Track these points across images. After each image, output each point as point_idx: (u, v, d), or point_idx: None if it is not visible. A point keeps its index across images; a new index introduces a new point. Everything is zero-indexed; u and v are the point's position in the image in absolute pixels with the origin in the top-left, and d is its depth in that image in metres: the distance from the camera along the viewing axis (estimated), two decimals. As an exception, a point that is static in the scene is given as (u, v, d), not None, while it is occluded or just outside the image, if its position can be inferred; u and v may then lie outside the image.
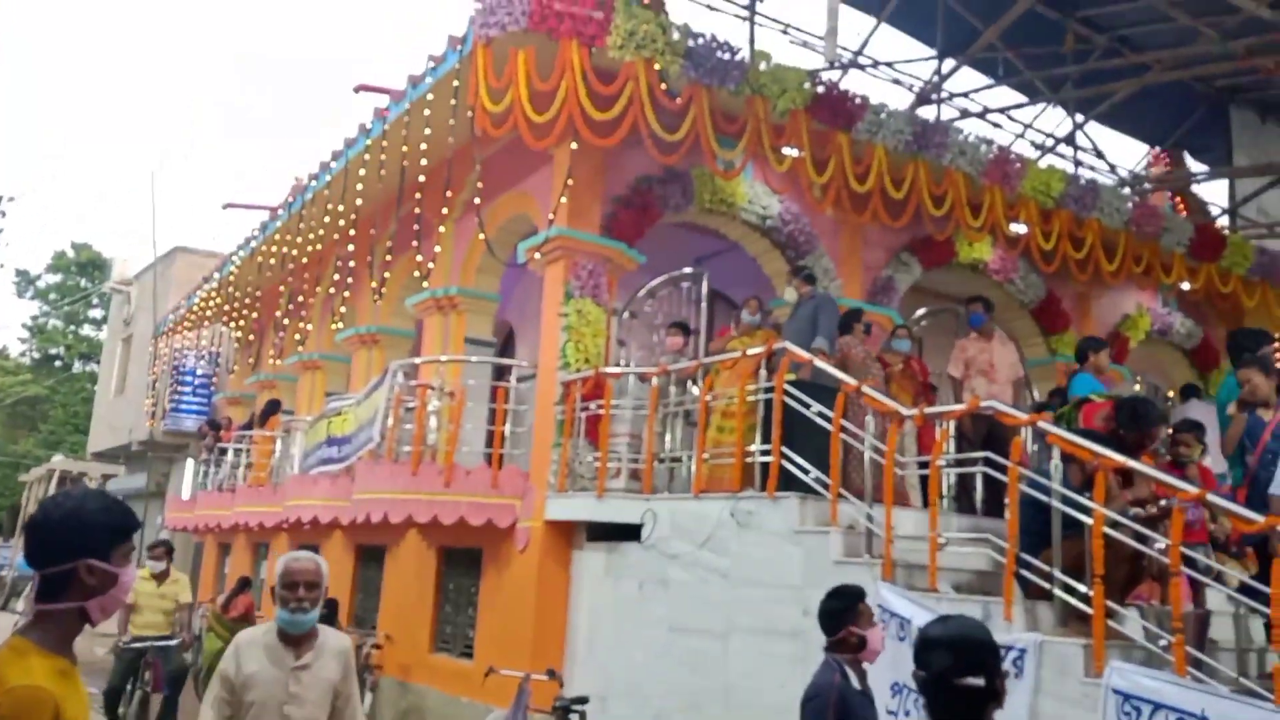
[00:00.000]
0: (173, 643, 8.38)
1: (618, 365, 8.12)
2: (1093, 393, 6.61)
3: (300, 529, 10.67)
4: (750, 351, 7.00)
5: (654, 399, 7.27)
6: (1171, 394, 12.28)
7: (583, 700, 6.57)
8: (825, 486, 6.04)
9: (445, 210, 9.18)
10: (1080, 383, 7.10)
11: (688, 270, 9.06)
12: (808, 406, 6.30)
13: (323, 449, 10.06)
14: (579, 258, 8.00)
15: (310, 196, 10.83)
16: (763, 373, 6.79)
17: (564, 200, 7.81)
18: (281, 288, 13.09)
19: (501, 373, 8.97)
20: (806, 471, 6.17)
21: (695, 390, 7.44)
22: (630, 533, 7.19)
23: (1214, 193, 14.03)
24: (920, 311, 10.37)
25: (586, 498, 7.46)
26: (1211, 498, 4.38)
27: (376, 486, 8.44)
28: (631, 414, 7.71)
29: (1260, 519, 4.12)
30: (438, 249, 9.63)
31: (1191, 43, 9.41)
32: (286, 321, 12.76)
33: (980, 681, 2.29)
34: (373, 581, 10.10)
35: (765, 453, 6.46)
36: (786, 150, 8.12)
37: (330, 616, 8.91)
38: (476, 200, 8.11)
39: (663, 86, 7.38)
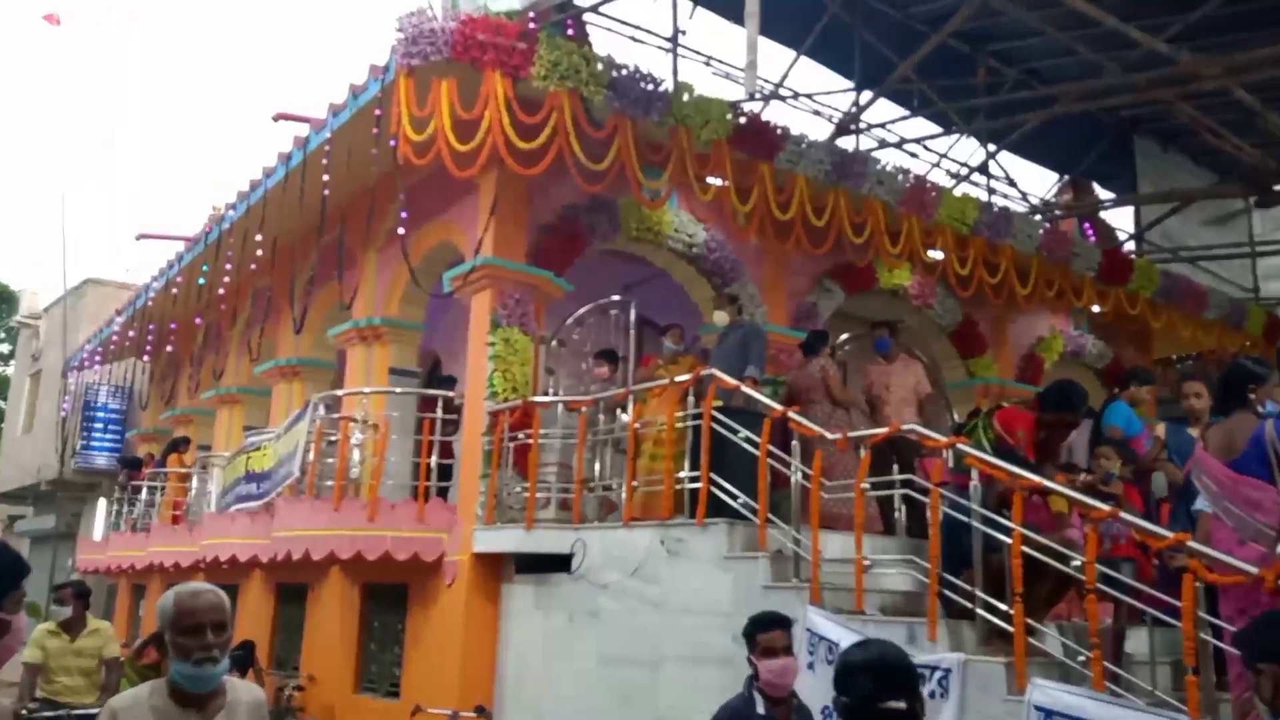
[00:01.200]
0: (94, 712, 6.23)
1: (546, 394, 8.08)
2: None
3: (218, 568, 10.34)
4: (678, 379, 7.04)
5: (582, 427, 7.24)
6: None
7: (512, 736, 6.46)
8: (754, 512, 6.07)
9: (368, 239, 9.06)
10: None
11: (616, 298, 9.08)
12: (735, 433, 6.34)
13: (241, 485, 9.79)
14: (506, 286, 7.96)
15: (228, 226, 10.60)
16: (690, 399, 6.83)
17: (490, 229, 7.77)
18: (198, 319, 12.75)
19: (428, 404, 8.86)
20: (735, 498, 6.21)
21: (624, 418, 7.44)
22: (560, 563, 7.12)
23: (1120, 219, 14.59)
24: (843, 337, 10.54)
25: (515, 529, 7.38)
26: (1123, 514, 4.50)
27: (297, 523, 8.23)
28: (560, 443, 7.68)
29: (1169, 535, 4.25)
30: (368, 281, 9.49)
31: (1096, 75, 9.79)
32: (203, 354, 12.43)
33: (902, 704, 2.31)
34: (294, 621, 9.82)
35: (694, 480, 6.48)
36: (711, 179, 8.21)
37: (245, 660, 8.63)
38: (400, 229, 8.02)
39: (587, 116, 7.42)
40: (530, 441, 7.34)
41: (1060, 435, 5.93)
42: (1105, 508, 4.47)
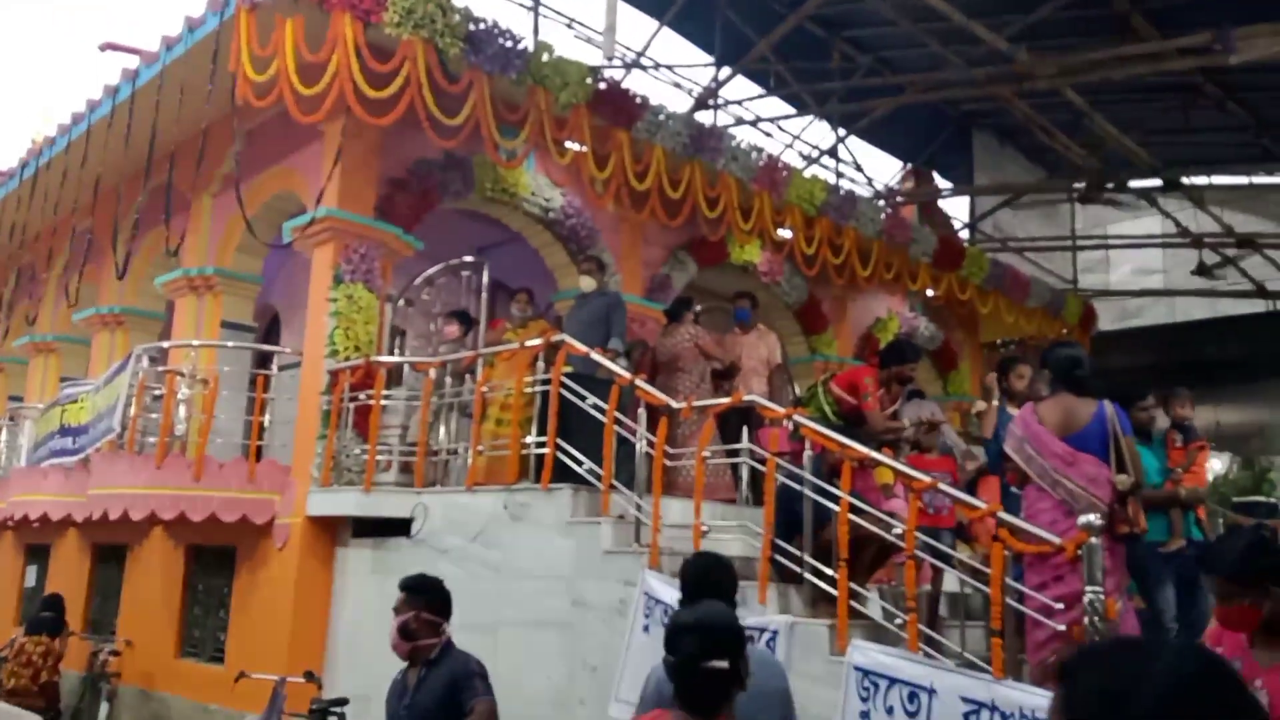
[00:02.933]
0: None
1: (392, 354, 7.86)
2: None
3: (28, 526, 9.65)
4: (528, 343, 6.97)
5: (428, 390, 7.08)
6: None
7: (342, 702, 6.32)
8: (600, 478, 6.10)
9: (202, 184, 8.56)
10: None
11: (468, 259, 8.91)
12: (584, 399, 6.35)
13: (55, 439, 9.14)
14: (350, 240, 7.67)
15: (47, 162, 9.79)
16: (540, 365, 6.78)
17: (334, 179, 7.46)
18: (11, 261, 11.77)
19: (263, 360, 8.48)
20: (581, 463, 6.22)
21: (473, 382, 7.33)
22: (400, 528, 6.98)
23: (957, 208, 15.35)
24: (696, 309, 10.70)
25: (353, 492, 7.17)
26: (942, 486, 4.75)
27: (116, 481, 7.76)
28: (405, 405, 7.49)
29: (983, 505, 4.52)
30: (200, 228, 8.96)
31: (941, 68, 10.21)
32: (16, 299, 11.49)
33: (724, 664, 2.36)
34: (112, 583, 9.27)
35: (541, 445, 6.45)
36: (569, 144, 8.14)
37: (56, 623, 8.13)
38: (236, 175, 7.61)
39: (442, 69, 7.20)
40: (372, 403, 7.14)
41: (897, 391, 6.23)
42: (926, 479, 4.71)
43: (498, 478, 6.80)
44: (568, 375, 6.53)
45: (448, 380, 7.41)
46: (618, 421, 6.17)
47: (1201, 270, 13.22)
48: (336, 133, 7.55)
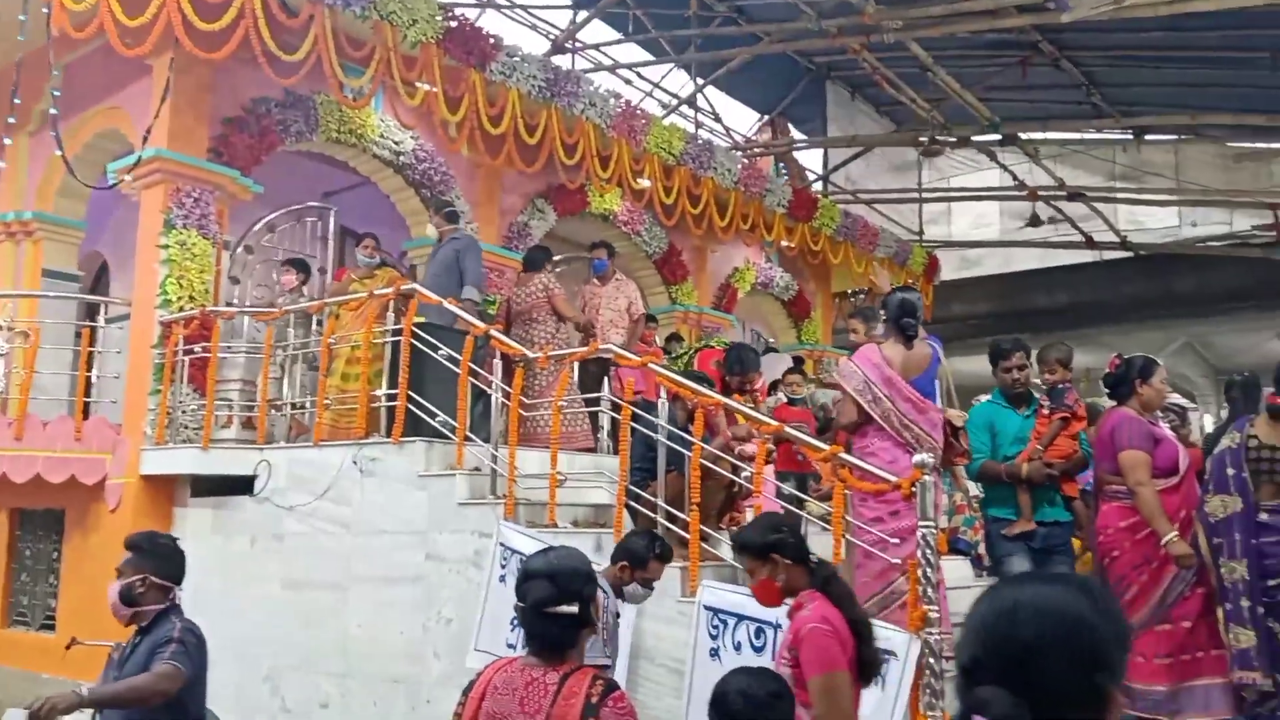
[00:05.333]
0: None
1: (230, 304, 7.48)
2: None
3: None
4: (377, 292, 6.75)
5: (269, 342, 6.78)
6: (773, 341, 13.71)
7: (184, 666, 6.06)
8: (455, 431, 6.00)
9: (14, 121, 7.85)
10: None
11: (313, 204, 8.52)
12: (436, 349, 6.20)
13: None
14: (181, 183, 7.21)
15: None
16: (391, 315, 6.58)
17: (162, 118, 6.98)
18: None
19: (90, 311, 7.94)
20: (434, 416, 6.09)
21: (319, 333, 7.06)
22: (243, 486, 6.71)
23: (811, 160, 15.67)
24: (556, 258, 10.60)
25: (191, 450, 6.82)
26: (788, 430, 4.87)
27: (-76, 442, 7.16)
28: (245, 358, 7.16)
29: (826, 448, 4.66)
30: (4, 165, 8.25)
31: (795, 19, 10.31)
32: None
33: (574, 609, 2.37)
34: (-74, 553, 8.59)
35: (392, 398, 6.28)
36: (419, 84, 7.84)
37: None
38: (54, 112, 7.02)
39: (279, 1, 6.79)
40: (209, 355, 6.78)
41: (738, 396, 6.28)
42: (774, 423, 4.82)
43: (346, 433, 6.61)
44: (419, 325, 6.37)
45: (290, 331, 7.11)
46: (472, 373, 6.07)
47: (1034, 222, 13.96)
48: (164, 68, 7.04)
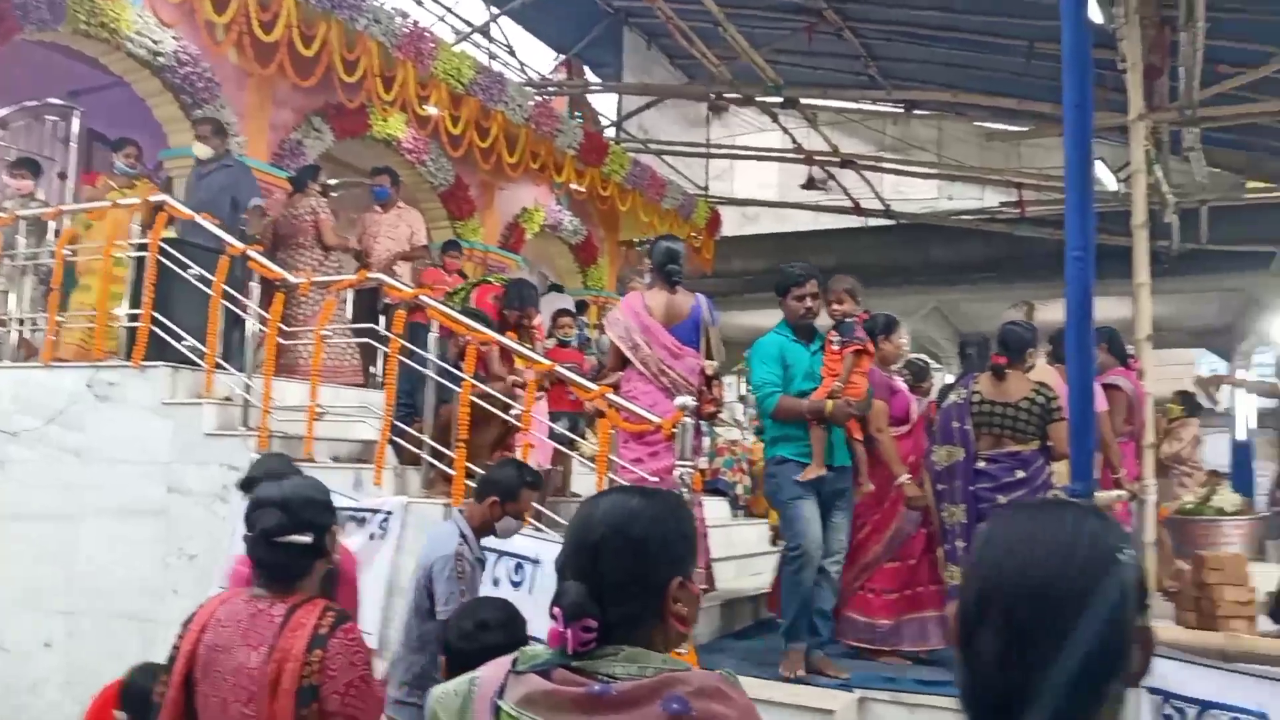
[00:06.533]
0: None
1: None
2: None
3: None
4: (126, 202, 6.17)
5: (-7, 250, 6.08)
6: (558, 282, 13.70)
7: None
8: (205, 357, 5.62)
9: None
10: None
11: (55, 102, 7.65)
12: (187, 269, 5.77)
13: None
14: (-114, 62, 6.28)
15: None
16: (137, 229, 6.04)
17: None
18: None
19: None
20: (181, 339, 5.68)
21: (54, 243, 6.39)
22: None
23: (606, 105, 15.64)
24: (332, 182, 10.07)
25: (-108, 367, 6.05)
26: (559, 369, 4.89)
27: None
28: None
29: (595, 388, 4.72)
30: None
31: (594, -42, 10.18)
32: None
33: (306, 538, 2.27)
34: None
35: (134, 319, 5.80)
36: (181, -22, 7.17)
37: None
38: None
39: None
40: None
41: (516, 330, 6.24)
42: (546, 363, 4.82)
43: (83, 354, 6.06)
44: (171, 242, 5.89)
45: (20, 240, 6.40)
46: (230, 298, 5.69)
47: (809, 185, 14.62)
48: None
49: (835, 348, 4.71)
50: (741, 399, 15.53)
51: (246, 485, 3.47)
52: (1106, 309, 9.16)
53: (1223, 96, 9.07)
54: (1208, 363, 21.31)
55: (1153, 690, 3.45)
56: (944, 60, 12.46)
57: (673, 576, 1.38)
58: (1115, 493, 5.13)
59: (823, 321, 4.74)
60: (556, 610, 1.33)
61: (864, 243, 15.07)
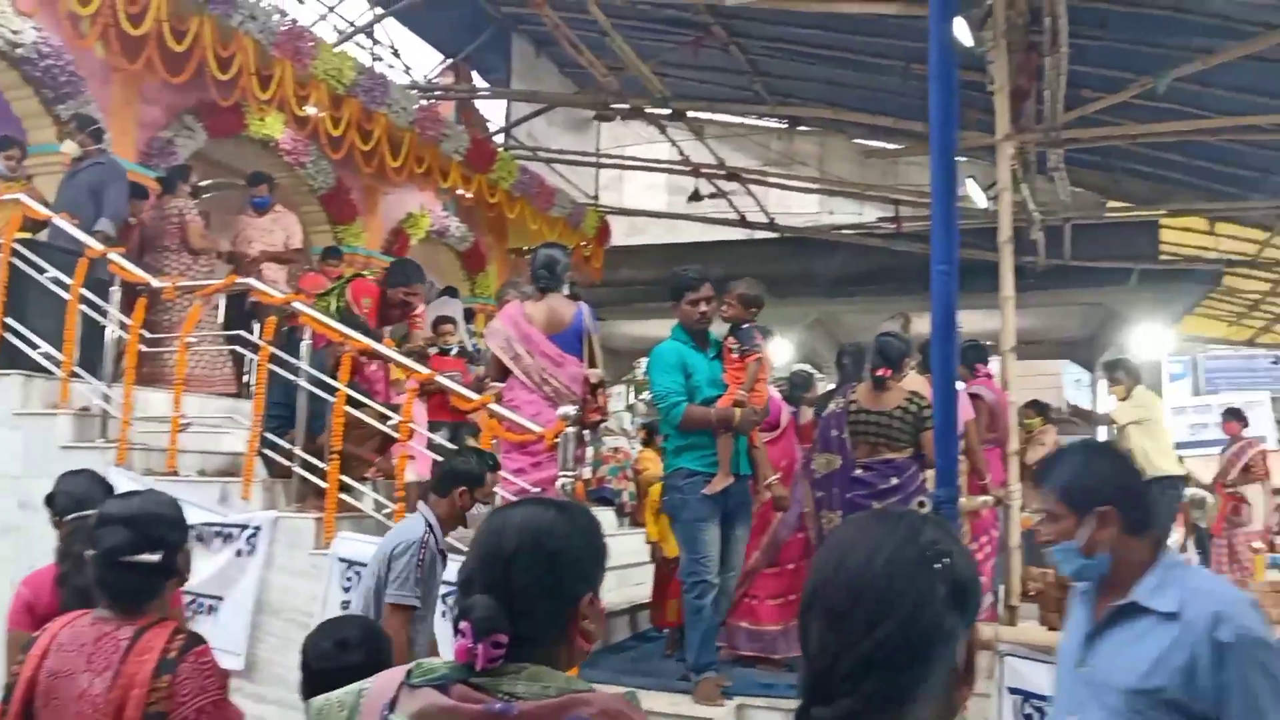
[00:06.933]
0: None
1: None
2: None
3: None
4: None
5: None
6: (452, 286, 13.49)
7: None
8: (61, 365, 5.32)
9: None
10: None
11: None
12: (42, 272, 5.45)
13: None
14: None
15: None
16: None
17: None
18: None
19: None
20: (35, 346, 5.36)
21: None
22: None
23: (495, 111, 15.52)
24: (205, 183, 9.68)
25: None
26: (439, 378, 4.80)
27: None
28: None
29: (476, 398, 4.65)
30: None
31: (482, -37, 10.09)
32: None
33: (155, 557, 2.16)
34: None
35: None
36: (40, -34, 6.79)
37: None
38: None
39: None
40: None
41: (400, 310, 6.11)
42: (425, 371, 4.73)
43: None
44: (26, 243, 5.56)
45: None
46: (90, 303, 5.40)
47: (695, 197, 14.79)
48: None
49: (736, 355, 4.63)
50: (629, 408, 15.59)
51: (49, 500, 3.31)
52: (976, 321, 9.58)
53: (1085, 119, 9.55)
54: (1072, 374, 22.43)
55: (1013, 690, 3.57)
56: (825, 78, 12.79)
57: (585, 592, 1.36)
58: (981, 498, 5.34)
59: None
60: (465, 625, 1.28)
61: (750, 255, 15.31)
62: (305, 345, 4.93)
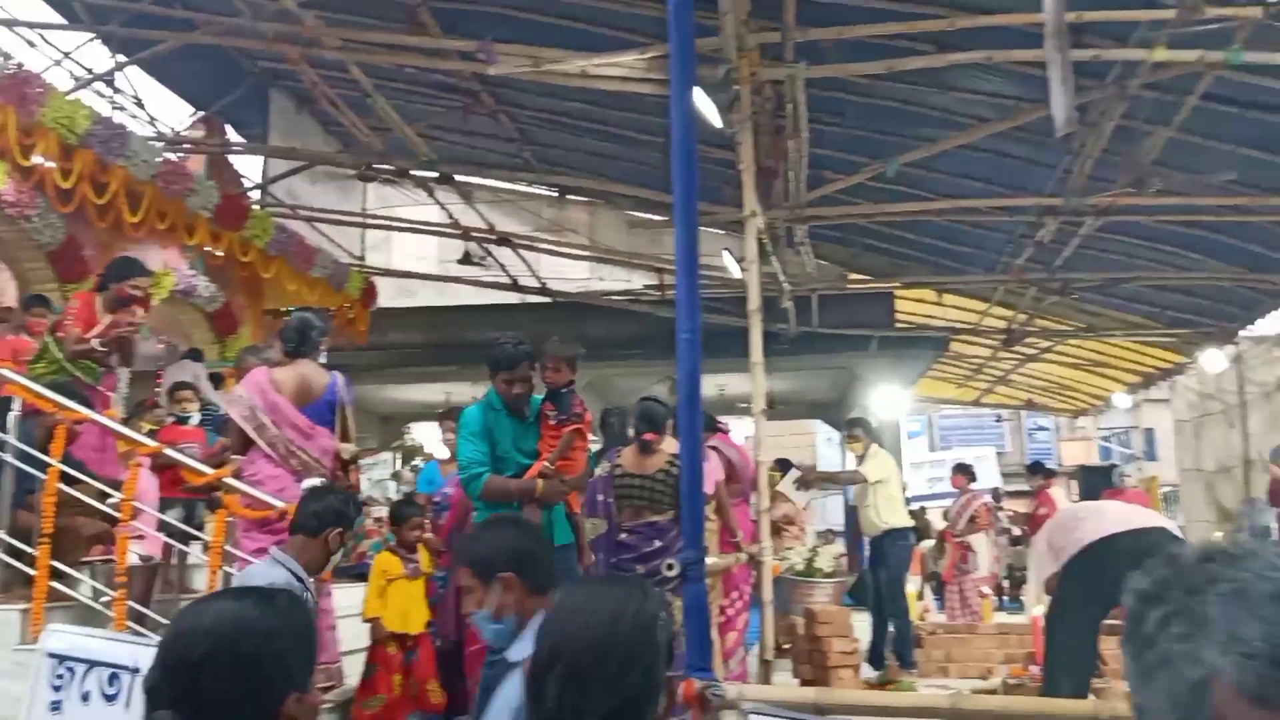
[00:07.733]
0: None
1: None
2: None
3: None
4: None
5: None
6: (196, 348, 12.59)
7: None
8: None
9: None
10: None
11: None
12: None
13: None
14: None
15: None
16: None
17: None
18: None
19: None
20: None
21: None
22: None
23: (252, 168, 14.83)
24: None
25: None
26: (169, 451, 4.44)
27: None
28: None
29: (211, 472, 4.32)
30: None
31: (238, 15, 9.70)
32: None
33: None
34: None
35: None
36: None
37: None
38: None
39: None
40: None
41: (124, 314, 5.64)
42: (152, 444, 4.35)
43: None
44: None
45: None
46: None
47: (466, 260, 14.72)
48: None
49: (553, 423, 4.48)
50: (395, 475, 15.07)
51: None
52: (737, 384, 10.00)
53: (827, 199, 10.33)
54: (824, 433, 23.87)
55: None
56: (592, 150, 13.16)
57: (288, 694, 1.27)
58: (732, 556, 5.52)
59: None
60: None
61: (523, 319, 15.34)
62: (13, 416, 4.43)
